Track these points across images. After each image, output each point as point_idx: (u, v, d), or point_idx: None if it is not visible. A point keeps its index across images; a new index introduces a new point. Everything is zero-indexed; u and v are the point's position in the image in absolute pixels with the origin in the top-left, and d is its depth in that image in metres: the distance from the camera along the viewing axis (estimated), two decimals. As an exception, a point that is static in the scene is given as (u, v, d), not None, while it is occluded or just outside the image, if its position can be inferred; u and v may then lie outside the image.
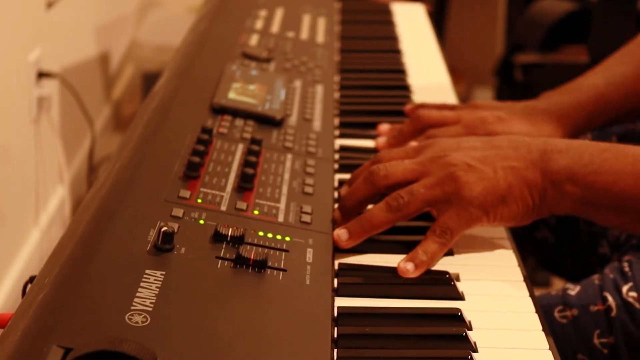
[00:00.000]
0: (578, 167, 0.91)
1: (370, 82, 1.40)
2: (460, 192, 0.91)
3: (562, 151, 0.92)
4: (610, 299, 1.03)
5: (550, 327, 1.03)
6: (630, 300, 1.02)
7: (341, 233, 0.92)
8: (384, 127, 1.19)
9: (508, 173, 0.92)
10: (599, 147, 0.93)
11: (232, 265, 0.81)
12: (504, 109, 1.16)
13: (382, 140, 1.17)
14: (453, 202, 0.91)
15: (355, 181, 0.98)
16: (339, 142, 1.18)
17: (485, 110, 1.16)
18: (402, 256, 0.90)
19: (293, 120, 1.15)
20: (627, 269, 1.05)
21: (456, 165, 0.92)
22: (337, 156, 1.13)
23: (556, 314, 1.05)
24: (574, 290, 1.06)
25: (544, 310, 1.04)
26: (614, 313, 1.02)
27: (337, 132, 1.20)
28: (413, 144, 1.07)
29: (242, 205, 0.92)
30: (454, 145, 0.95)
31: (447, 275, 0.89)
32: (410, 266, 0.89)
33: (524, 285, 0.90)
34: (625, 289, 1.03)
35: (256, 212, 0.92)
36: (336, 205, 0.99)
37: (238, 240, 0.84)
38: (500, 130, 1.12)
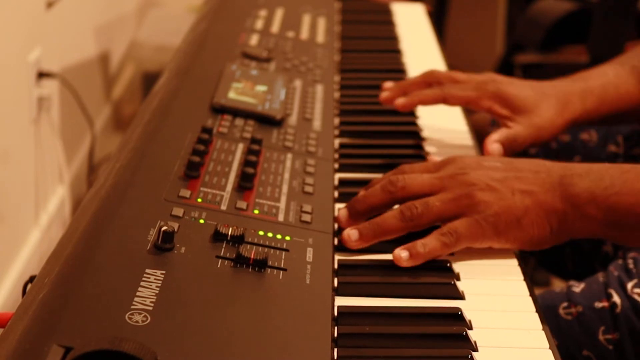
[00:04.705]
0: (599, 190, 0.90)
1: (370, 81, 1.40)
2: (476, 208, 0.91)
3: (582, 175, 0.92)
4: (615, 295, 1.03)
5: (555, 323, 1.03)
6: (635, 296, 1.02)
7: (352, 233, 0.92)
8: (388, 83, 1.20)
9: (525, 196, 0.91)
10: (619, 169, 0.92)
11: (232, 264, 0.81)
12: (514, 79, 1.18)
13: (385, 93, 1.17)
14: (467, 215, 0.91)
15: (372, 187, 0.98)
16: (339, 142, 1.18)
17: (497, 75, 1.17)
18: (403, 256, 0.90)
19: (293, 119, 1.15)
20: (631, 266, 1.06)
21: (475, 185, 0.92)
22: (337, 155, 1.13)
23: (561, 311, 1.06)
24: (578, 287, 1.07)
25: (548, 307, 1.05)
26: (618, 309, 1.02)
27: (337, 132, 1.20)
28: (435, 158, 1.07)
29: (242, 204, 0.92)
30: (474, 164, 0.95)
31: (448, 275, 0.89)
32: (404, 254, 0.89)
33: (524, 284, 0.90)
34: (630, 285, 1.04)
35: (256, 212, 0.92)
36: (337, 205, 0.99)
37: (238, 240, 0.84)
38: (513, 91, 1.13)
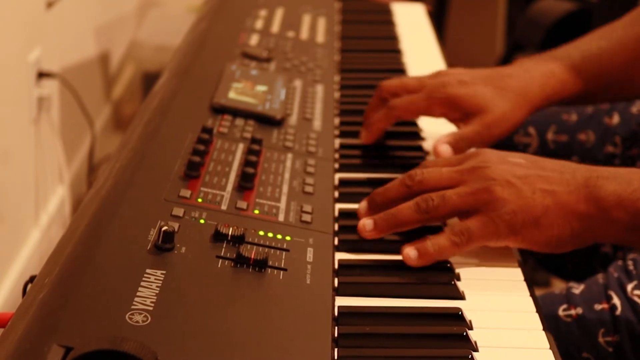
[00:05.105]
0: (626, 193, 0.88)
1: (370, 81, 1.40)
2: (492, 205, 0.89)
3: (609, 178, 0.89)
4: (615, 297, 1.03)
5: (554, 325, 1.03)
6: (635, 298, 1.02)
7: (367, 223, 0.92)
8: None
9: (546, 196, 0.89)
10: None
11: (232, 264, 0.81)
12: (468, 74, 1.15)
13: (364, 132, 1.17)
14: (482, 212, 0.89)
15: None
16: (339, 142, 1.18)
17: (449, 75, 1.14)
18: (403, 256, 0.90)
19: (293, 119, 1.15)
20: (631, 268, 1.05)
21: (494, 180, 0.90)
22: (337, 155, 1.13)
23: (560, 313, 1.05)
24: (578, 289, 1.07)
25: (548, 308, 1.05)
26: (618, 311, 1.02)
27: (337, 132, 1.20)
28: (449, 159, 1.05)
29: (242, 204, 0.92)
30: (497, 158, 0.93)
31: (448, 275, 0.89)
32: (413, 253, 0.88)
33: (524, 285, 0.90)
34: (630, 287, 1.03)
35: (256, 212, 0.92)
36: (337, 205, 0.99)
37: (238, 240, 0.84)
38: (462, 93, 1.11)
